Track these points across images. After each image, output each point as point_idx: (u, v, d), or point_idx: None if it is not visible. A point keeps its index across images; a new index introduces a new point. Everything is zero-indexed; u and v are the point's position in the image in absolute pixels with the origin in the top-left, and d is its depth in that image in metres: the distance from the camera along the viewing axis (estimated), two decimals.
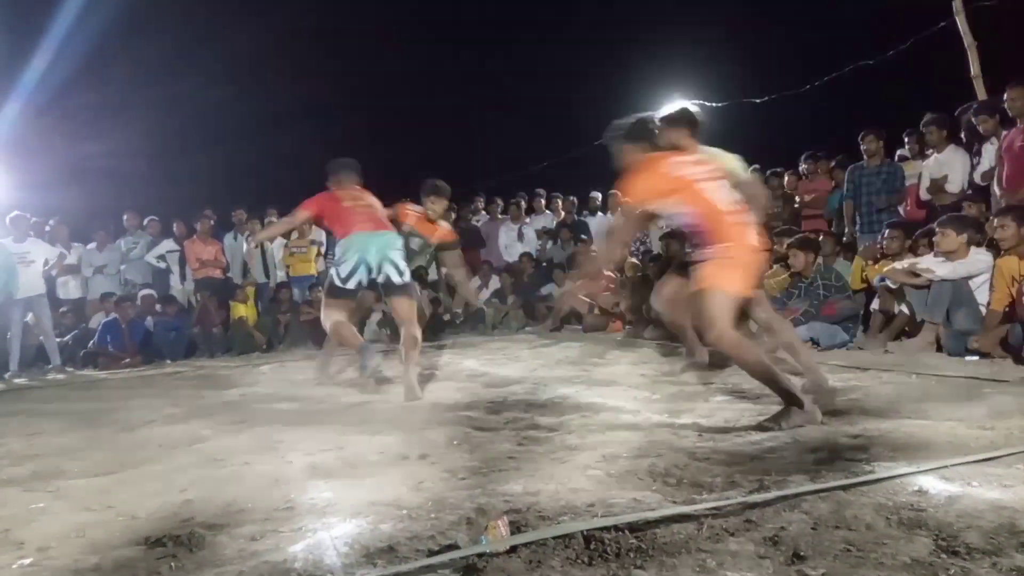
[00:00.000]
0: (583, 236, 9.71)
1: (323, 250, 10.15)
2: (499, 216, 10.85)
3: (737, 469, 2.48)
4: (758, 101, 9.97)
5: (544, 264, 10.05)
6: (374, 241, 4.73)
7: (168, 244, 9.59)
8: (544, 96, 14.80)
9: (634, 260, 8.32)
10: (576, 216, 10.49)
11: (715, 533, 1.88)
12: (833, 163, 8.09)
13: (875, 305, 5.88)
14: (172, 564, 1.92)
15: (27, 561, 2.06)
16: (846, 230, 7.27)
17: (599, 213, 10.29)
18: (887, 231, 5.96)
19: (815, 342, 5.64)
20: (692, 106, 4.06)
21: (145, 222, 9.83)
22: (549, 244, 10.32)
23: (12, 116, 11.66)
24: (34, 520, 2.45)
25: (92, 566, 1.97)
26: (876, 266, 5.85)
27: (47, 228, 9.25)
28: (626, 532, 1.89)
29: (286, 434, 3.56)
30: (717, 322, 3.08)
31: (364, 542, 1.98)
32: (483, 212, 11.08)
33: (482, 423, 3.53)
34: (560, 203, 10.73)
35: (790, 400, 3.06)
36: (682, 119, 3.72)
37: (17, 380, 7.47)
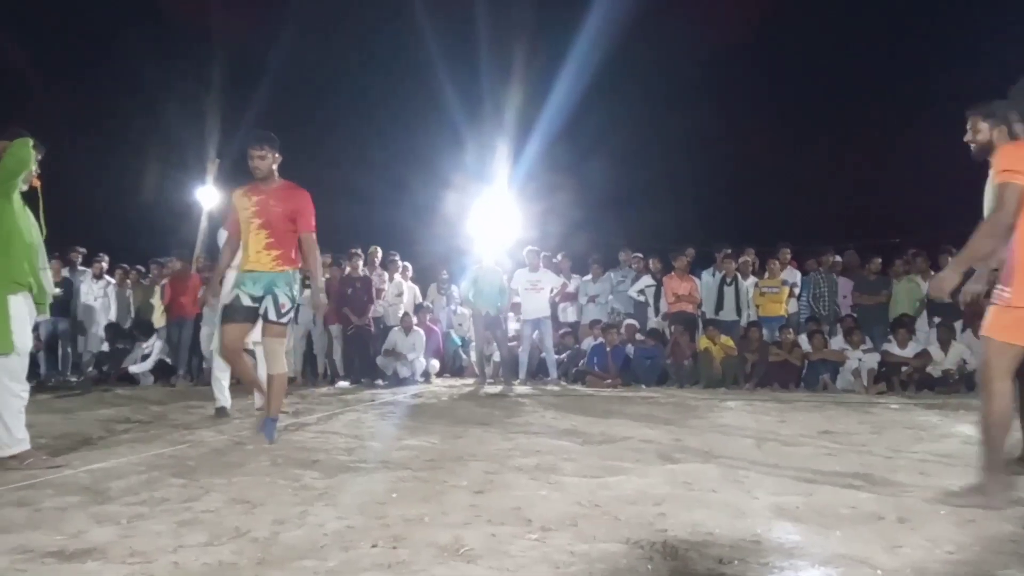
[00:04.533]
0: None
1: (796, 291, 9.94)
2: None
3: None
4: None
5: None
6: None
7: (647, 280, 10.39)
8: None
9: None
10: None
11: None
12: None
13: None
14: (649, 566, 2.13)
15: (534, 536, 2.48)
16: None
17: None
18: None
19: None
20: None
21: (631, 258, 10.83)
22: None
23: (528, 160, 13.93)
24: (538, 504, 2.92)
25: (583, 552, 2.29)
26: None
27: (554, 260, 10.85)
28: None
29: (751, 471, 3.60)
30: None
31: None
32: None
33: None
34: None
35: None
36: None
37: (521, 388, 8.88)
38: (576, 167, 14.65)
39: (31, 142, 3.83)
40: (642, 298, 10.37)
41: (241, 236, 4.64)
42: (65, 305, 10.14)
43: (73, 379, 10.12)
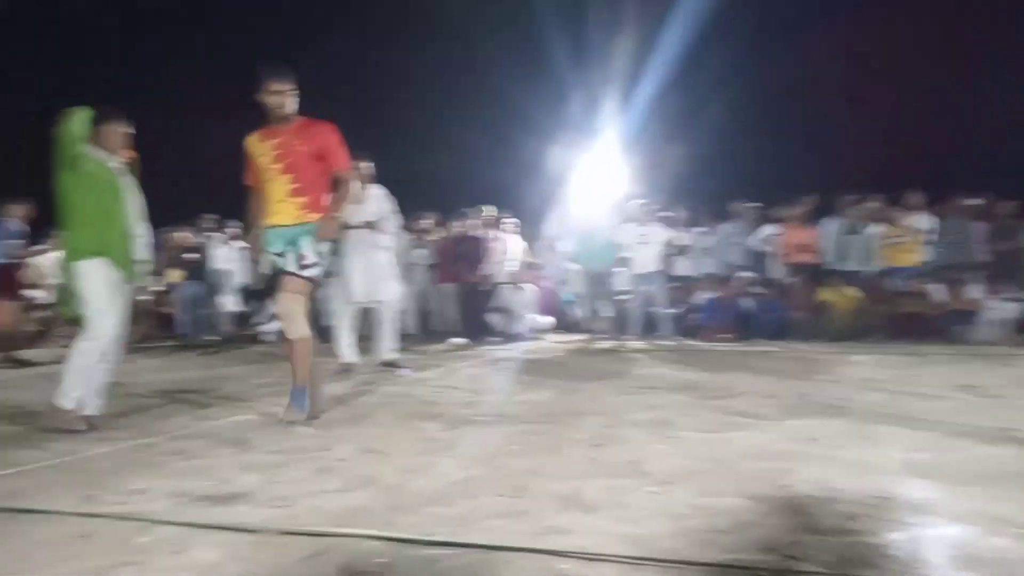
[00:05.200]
0: None
1: (929, 238, 9.35)
2: None
3: None
4: None
5: None
6: None
7: (770, 229, 9.98)
8: None
9: None
10: None
11: None
12: None
13: None
14: (772, 521, 2.11)
15: (653, 489, 2.50)
16: None
17: None
18: None
19: None
20: None
21: (747, 208, 10.46)
22: None
23: (637, 111, 13.57)
24: (656, 458, 2.93)
25: (703, 505, 2.29)
26: None
27: (661, 214, 10.62)
28: None
29: (881, 426, 3.47)
30: None
31: (972, 551, 1.85)
32: None
33: None
34: None
35: None
36: None
37: (633, 343, 8.82)
38: (689, 116, 14.13)
39: (82, 113, 3.92)
40: (766, 248, 10.00)
41: (263, 188, 4.05)
42: (200, 269, 10.86)
43: (210, 338, 10.89)
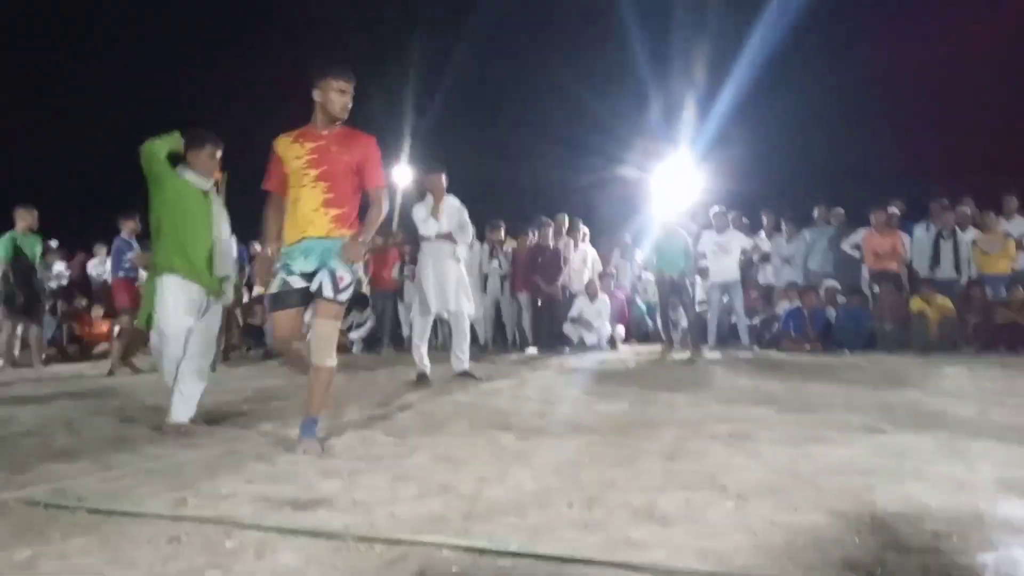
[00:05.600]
0: None
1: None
2: None
3: None
4: None
5: None
6: None
7: (863, 232, 9.59)
8: None
9: None
10: None
11: None
12: None
13: None
14: (856, 539, 2.03)
15: (730, 503, 2.45)
16: None
17: None
18: None
19: None
20: None
21: (829, 213, 10.12)
22: None
23: (712, 121, 13.36)
24: (734, 472, 2.87)
25: (784, 522, 2.22)
26: None
27: (745, 220, 10.42)
28: None
29: (973, 441, 3.30)
30: None
31: None
32: None
33: None
34: None
35: None
36: None
37: (710, 354, 8.66)
38: (772, 122, 13.82)
39: (166, 137, 4.16)
40: (856, 253, 9.62)
41: (290, 195, 3.69)
42: None
43: None
